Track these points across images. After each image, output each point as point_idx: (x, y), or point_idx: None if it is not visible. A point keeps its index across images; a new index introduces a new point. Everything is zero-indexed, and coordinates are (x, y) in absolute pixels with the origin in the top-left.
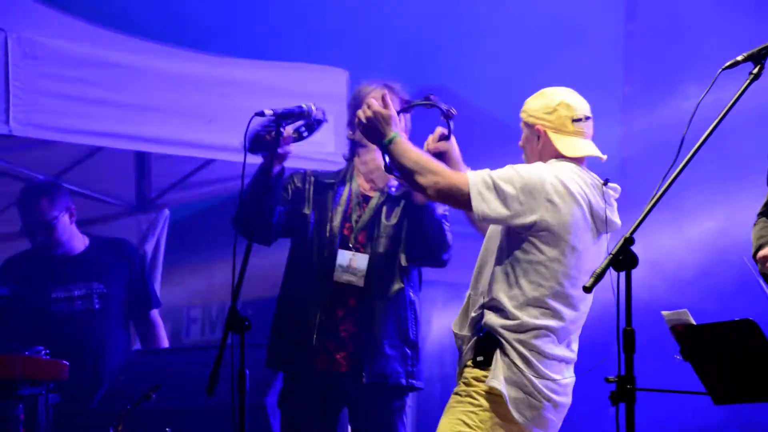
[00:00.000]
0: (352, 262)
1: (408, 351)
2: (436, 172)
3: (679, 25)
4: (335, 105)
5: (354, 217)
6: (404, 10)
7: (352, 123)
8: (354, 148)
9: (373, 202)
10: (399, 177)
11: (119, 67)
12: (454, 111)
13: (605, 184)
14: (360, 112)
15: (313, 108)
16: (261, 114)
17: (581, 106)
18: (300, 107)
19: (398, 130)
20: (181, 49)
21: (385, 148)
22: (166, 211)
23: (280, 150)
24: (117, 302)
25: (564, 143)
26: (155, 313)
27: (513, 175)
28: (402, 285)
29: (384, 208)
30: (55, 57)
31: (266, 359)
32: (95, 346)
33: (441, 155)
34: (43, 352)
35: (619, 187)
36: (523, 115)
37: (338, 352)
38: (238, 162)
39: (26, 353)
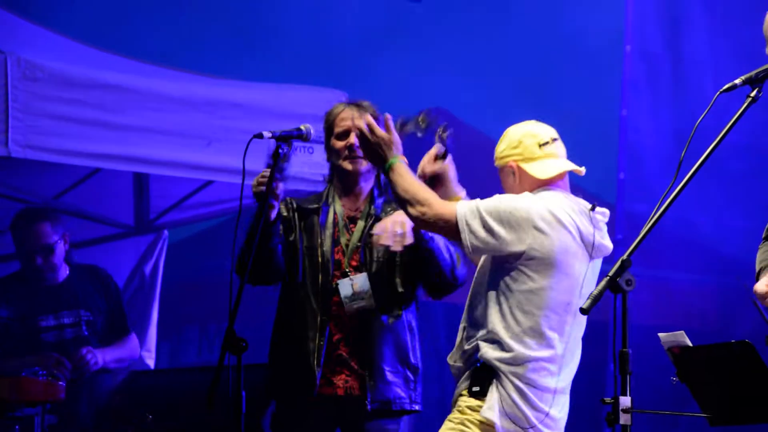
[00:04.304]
0: (354, 286)
1: (410, 375)
2: (423, 203)
3: (678, 47)
4: None
5: (343, 240)
6: (401, 32)
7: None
8: (334, 170)
9: (361, 225)
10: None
11: (118, 89)
12: (447, 132)
13: (593, 209)
14: (361, 136)
15: (312, 130)
16: (260, 136)
17: (544, 131)
18: (299, 129)
19: (399, 154)
20: (180, 71)
21: (385, 172)
22: (165, 232)
23: (274, 184)
24: (100, 328)
25: (537, 168)
26: (131, 338)
27: (500, 204)
28: (400, 312)
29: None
30: (54, 79)
31: (266, 387)
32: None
33: (437, 176)
34: (40, 373)
35: (607, 211)
36: (495, 163)
37: (335, 377)
38: (237, 183)
39: (23, 374)
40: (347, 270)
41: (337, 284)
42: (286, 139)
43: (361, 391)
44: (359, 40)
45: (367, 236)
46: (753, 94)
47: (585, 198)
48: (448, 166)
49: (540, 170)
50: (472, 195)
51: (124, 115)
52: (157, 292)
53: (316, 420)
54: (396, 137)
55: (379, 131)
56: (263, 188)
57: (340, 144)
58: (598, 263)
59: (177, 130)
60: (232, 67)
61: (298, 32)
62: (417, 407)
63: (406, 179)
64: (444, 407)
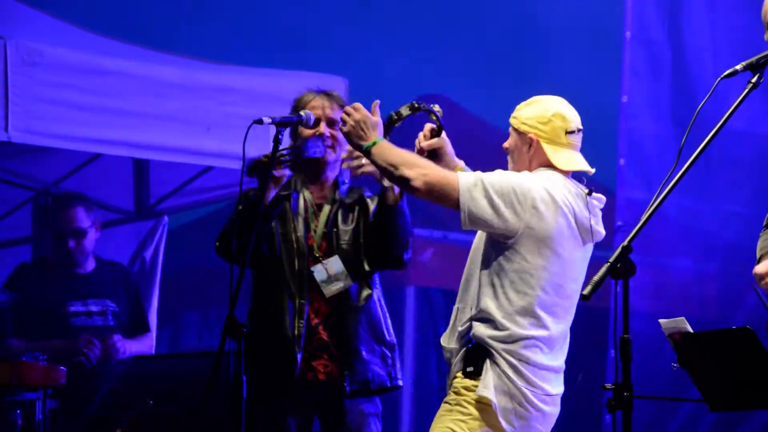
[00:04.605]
0: (329, 270)
1: (387, 352)
2: (424, 166)
3: (679, 33)
4: None
5: (312, 226)
6: (402, 19)
7: (294, 132)
8: (300, 157)
9: (326, 210)
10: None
11: (118, 75)
12: (438, 108)
13: (589, 194)
14: (344, 115)
15: (312, 116)
16: (260, 122)
17: (575, 118)
18: (299, 115)
19: (382, 136)
20: (181, 57)
21: (368, 151)
22: (165, 218)
23: (276, 173)
24: (122, 321)
25: (557, 155)
26: (149, 336)
27: (502, 180)
28: (370, 291)
29: (339, 216)
30: (53, 64)
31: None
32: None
33: (434, 152)
34: (41, 357)
35: (603, 197)
36: (514, 121)
37: (316, 361)
38: (237, 169)
39: (23, 359)
40: (318, 255)
41: (312, 271)
42: (286, 125)
43: (340, 374)
44: (360, 27)
45: (333, 221)
46: (754, 80)
47: (585, 184)
48: (444, 142)
49: (559, 159)
50: None
51: (125, 101)
52: (157, 277)
53: (297, 405)
54: (380, 121)
55: (364, 111)
56: (260, 165)
57: (309, 132)
58: (590, 248)
59: (177, 116)
60: (233, 53)
61: (299, 18)
62: (399, 382)
63: (397, 150)
64: (443, 394)
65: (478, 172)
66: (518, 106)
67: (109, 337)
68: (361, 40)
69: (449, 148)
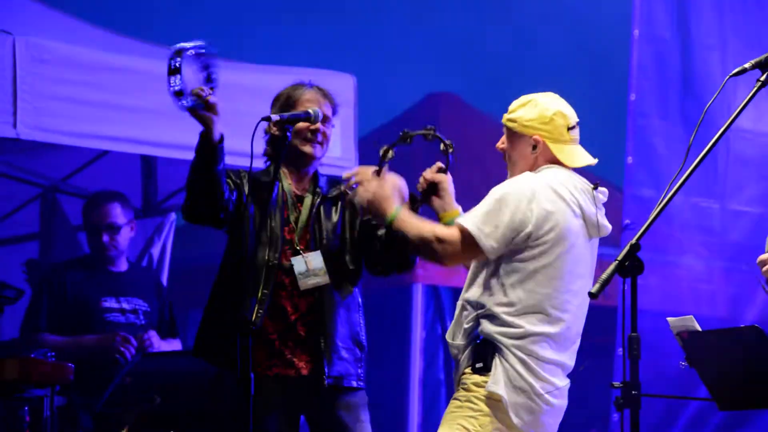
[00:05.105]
0: (308, 264)
1: (358, 353)
2: (441, 241)
3: (686, 31)
4: (342, 110)
5: (291, 218)
6: (408, 16)
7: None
8: (280, 146)
9: (307, 202)
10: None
11: (126, 71)
12: (451, 148)
13: (595, 188)
14: (359, 194)
15: (320, 113)
16: (268, 119)
17: (572, 113)
18: (307, 112)
19: (398, 204)
20: None
21: (389, 227)
22: (173, 215)
23: (212, 101)
24: (153, 323)
25: (565, 153)
26: (176, 341)
27: (502, 197)
28: (351, 288)
29: (322, 211)
30: (62, 60)
31: (199, 352)
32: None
33: (435, 186)
34: (49, 354)
35: (606, 191)
36: (512, 124)
37: (297, 358)
38: (244, 166)
39: (32, 355)
40: (298, 248)
41: (291, 262)
42: (294, 121)
43: (320, 369)
44: (368, 25)
45: (316, 215)
46: (762, 78)
47: (591, 181)
48: (448, 178)
49: (567, 156)
50: (479, 180)
51: (133, 97)
52: (164, 275)
53: (279, 403)
54: (390, 190)
55: (374, 188)
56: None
57: (302, 126)
58: (596, 243)
59: (184, 113)
60: (240, 50)
61: (306, 16)
62: (362, 384)
63: (413, 224)
64: (451, 390)
65: (474, 209)
66: (511, 108)
67: (147, 333)
68: (369, 38)
69: (451, 189)
